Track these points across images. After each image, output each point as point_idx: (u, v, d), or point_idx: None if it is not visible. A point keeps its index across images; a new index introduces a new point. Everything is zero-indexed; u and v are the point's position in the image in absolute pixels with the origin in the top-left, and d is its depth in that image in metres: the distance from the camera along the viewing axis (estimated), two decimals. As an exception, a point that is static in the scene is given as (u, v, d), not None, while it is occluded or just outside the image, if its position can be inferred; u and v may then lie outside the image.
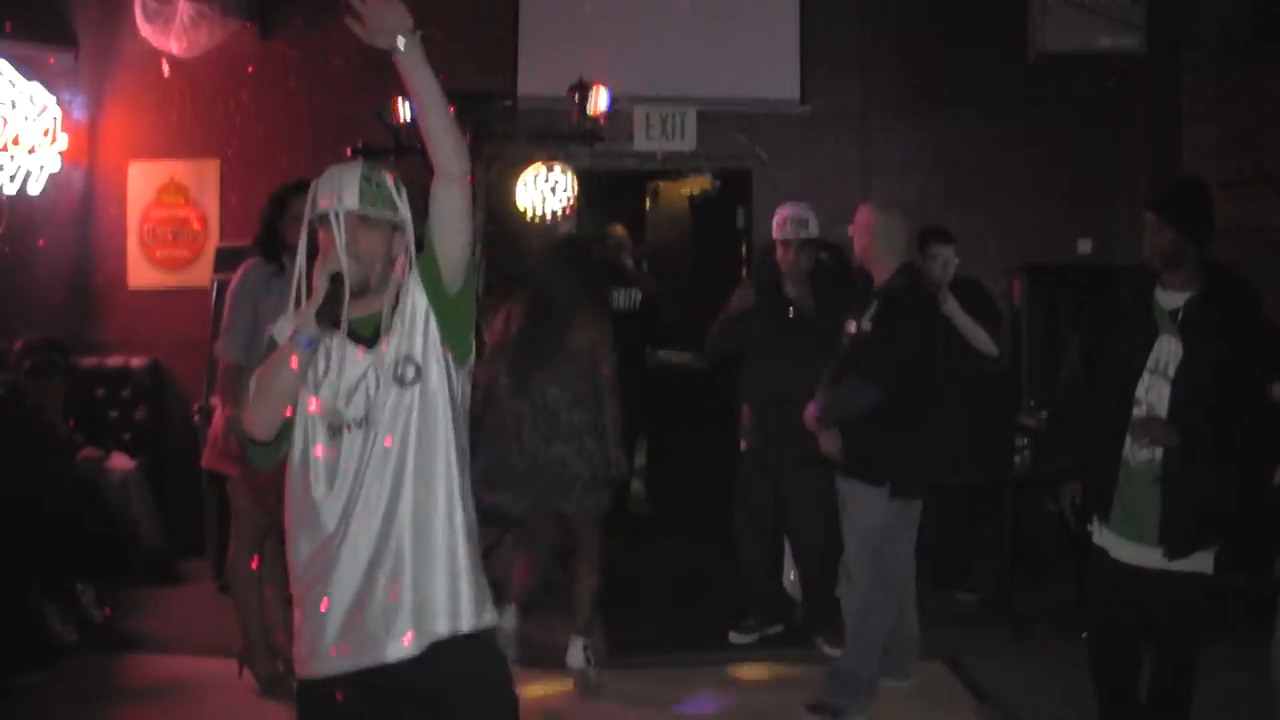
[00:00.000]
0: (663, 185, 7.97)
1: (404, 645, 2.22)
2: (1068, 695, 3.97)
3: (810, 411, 4.18)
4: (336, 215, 2.21)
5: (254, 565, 4.26)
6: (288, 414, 2.25)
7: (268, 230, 4.26)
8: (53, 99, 6.18)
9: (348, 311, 2.22)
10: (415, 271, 2.29)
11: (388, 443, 2.23)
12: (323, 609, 2.23)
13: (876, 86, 6.43)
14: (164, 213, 6.42)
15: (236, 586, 4.26)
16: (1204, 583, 3.30)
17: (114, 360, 6.26)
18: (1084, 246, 6.43)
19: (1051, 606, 5.06)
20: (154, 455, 6.08)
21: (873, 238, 4.10)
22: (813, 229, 4.76)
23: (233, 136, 6.32)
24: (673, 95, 6.28)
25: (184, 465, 5.84)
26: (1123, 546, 3.36)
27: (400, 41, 2.10)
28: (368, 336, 2.28)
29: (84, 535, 5.10)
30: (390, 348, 2.26)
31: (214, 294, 5.63)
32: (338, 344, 2.28)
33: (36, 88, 6.14)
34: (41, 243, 6.29)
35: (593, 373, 4.37)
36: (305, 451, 2.26)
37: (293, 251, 4.24)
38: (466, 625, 2.26)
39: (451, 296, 2.29)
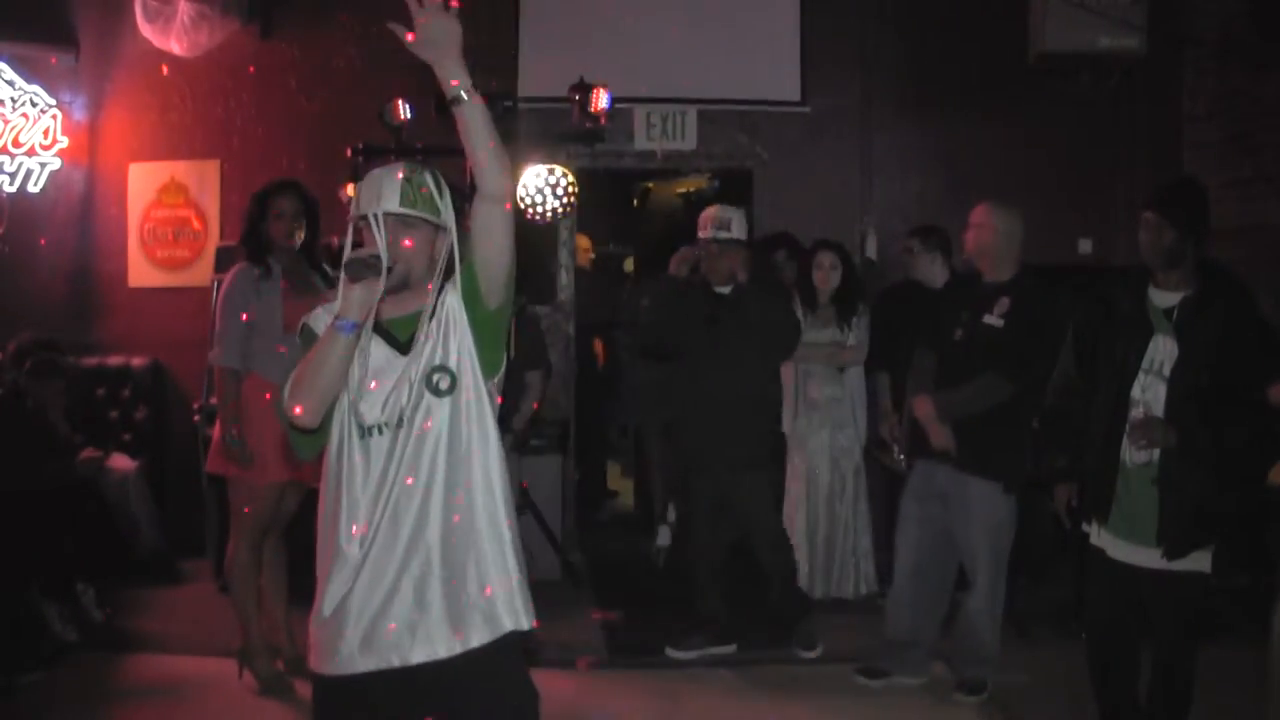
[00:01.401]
0: (655, 185, 7.95)
1: (420, 651, 2.23)
2: (1068, 695, 3.96)
3: (923, 406, 4.20)
4: (376, 216, 2.23)
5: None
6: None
7: (252, 229, 4.27)
8: (53, 100, 6.19)
9: (379, 310, 2.25)
10: (455, 282, 2.30)
11: (417, 448, 2.24)
12: (343, 607, 2.24)
13: (876, 86, 6.42)
14: (164, 213, 6.42)
15: (235, 586, 4.27)
16: (1202, 582, 3.31)
17: (114, 360, 6.26)
18: (1084, 246, 6.44)
19: (1051, 606, 5.05)
20: (154, 455, 6.08)
21: (997, 236, 4.18)
22: (735, 230, 4.60)
23: (233, 136, 6.33)
24: (673, 95, 6.28)
25: (184, 465, 5.86)
26: (1120, 547, 3.36)
27: (464, 95, 2.16)
28: (403, 341, 2.30)
29: (84, 535, 5.10)
30: (425, 354, 2.27)
31: (214, 294, 5.62)
32: (374, 345, 2.28)
33: (37, 89, 6.16)
34: (43, 243, 6.30)
35: None
36: (339, 448, 2.28)
37: (278, 251, 4.27)
38: (482, 640, 2.26)
39: (488, 311, 2.30)
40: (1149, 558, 3.29)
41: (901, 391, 4.65)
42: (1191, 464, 3.21)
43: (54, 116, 6.19)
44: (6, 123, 6.08)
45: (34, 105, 6.14)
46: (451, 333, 2.28)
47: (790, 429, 5.34)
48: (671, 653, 4.68)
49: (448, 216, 2.31)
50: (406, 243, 2.26)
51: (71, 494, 5.17)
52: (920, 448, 4.28)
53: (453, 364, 2.28)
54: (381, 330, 2.30)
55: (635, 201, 8.19)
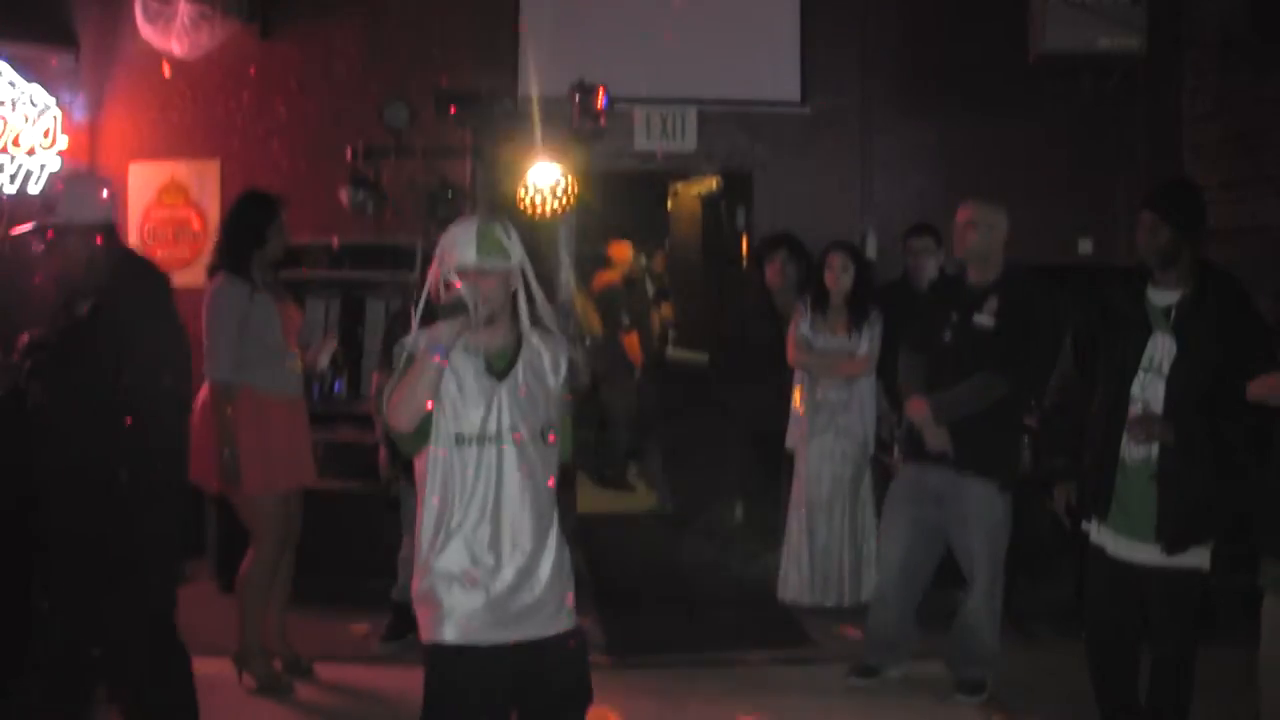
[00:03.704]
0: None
1: (506, 631, 2.63)
2: (1068, 695, 3.97)
3: (920, 407, 4.17)
4: (461, 270, 2.63)
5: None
6: (428, 408, 2.63)
7: (253, 241, 4.17)
8: (53, 100, 6.19)
9: (477, 341, 2.66)
10: (554, 352, 2.73)
11: (502, 460, 2.64)
12: (442, 582, 2.64)
13: (876, 86, 6.43)
14: (164, 213, 6.43)
15: (250, 596, 4.25)
16: (1201, 579, 3.32)
17: (114, 360, 6.25)
18: (1084, 246, 6.44)
19: (1051, 606, 5.05)
20: (154, 455, 6.06)
21: (983, 234, 4.13)
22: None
23: (233, 137, 6.33)
24: (673, 95, 6.28)
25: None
26: (1120, 543, 3.37)
27: None
28: (499, 369, 2.68)
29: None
30: (519, 382, 2.67)
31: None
32: (470, 371, 2.67)
33: (37, 88, 6.16)
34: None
35: None
36: (438, 450, 2.66)
37: (260, 263, 4.17)
38: (558, 629, 2.69)
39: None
40: (1148, 554, 3.30)
41: (896, 393, 4.63)
42: (1190, 460, 3.22)
43: (54, 116, 6.19)
44: (6, 123, 6.08)
45: (34, 105, 6.14)
46: (545, 375, 2.72)
47: (797, 434, 5.31)
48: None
49: (516, 260, 2.68)
50: (487, 285, 2.64)
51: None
52: (915, 450, 4.26)
53: (541, 401, 2.70)
54: (478, 358, 2.68)
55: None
